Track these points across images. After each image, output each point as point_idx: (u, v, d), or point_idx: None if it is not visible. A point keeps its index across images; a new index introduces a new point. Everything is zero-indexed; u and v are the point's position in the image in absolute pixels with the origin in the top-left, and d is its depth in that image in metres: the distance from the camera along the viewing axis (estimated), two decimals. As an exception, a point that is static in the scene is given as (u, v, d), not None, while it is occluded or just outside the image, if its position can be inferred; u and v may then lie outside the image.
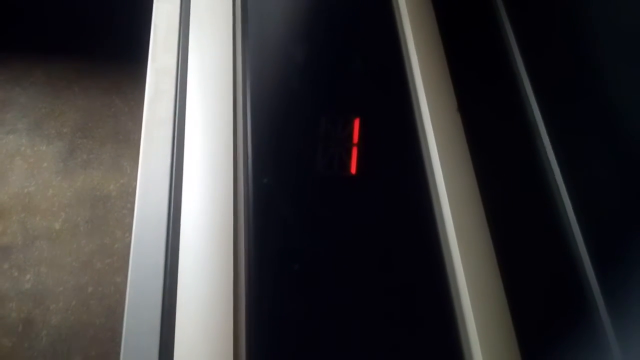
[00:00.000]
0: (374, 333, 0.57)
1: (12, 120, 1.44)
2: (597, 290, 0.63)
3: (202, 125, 0.65)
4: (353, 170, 0.64)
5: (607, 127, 0.67)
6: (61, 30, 1.55)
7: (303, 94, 0.69)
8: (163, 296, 0.56)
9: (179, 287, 0.55)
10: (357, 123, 0.67)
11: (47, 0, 1.53)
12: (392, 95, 0.71)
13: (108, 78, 1.53)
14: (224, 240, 0.57)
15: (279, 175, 0.63)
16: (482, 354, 0.55)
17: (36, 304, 1.22)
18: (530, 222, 0.68)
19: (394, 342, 0.57)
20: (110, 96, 1.51)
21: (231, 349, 0.52)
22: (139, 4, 0.89)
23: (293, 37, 0.74)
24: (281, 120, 0.67)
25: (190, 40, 0.71)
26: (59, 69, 1.53)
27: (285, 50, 0.73)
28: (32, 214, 1.33)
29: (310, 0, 0.78)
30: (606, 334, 0.61)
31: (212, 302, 0.54)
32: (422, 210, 0.64)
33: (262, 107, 0.67)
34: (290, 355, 0.55)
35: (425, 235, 0.62)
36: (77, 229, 1.32)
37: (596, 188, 0.69)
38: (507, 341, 0.57)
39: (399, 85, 0.72)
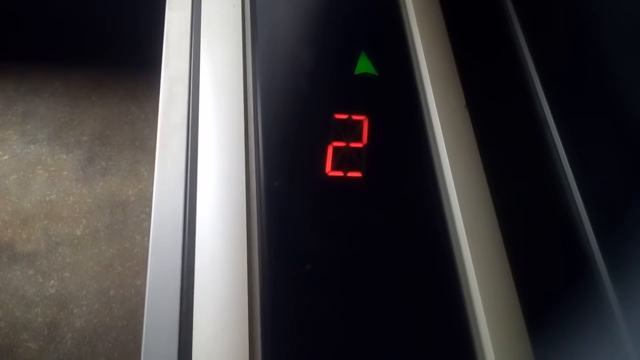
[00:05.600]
0: (384, 327, 0.58)
1: (32, 131, 1.47)
2: (606, 275, 0.63)
3: (214, 130, 0.66)
4: (362, 171, 0.65)
5: (616, 123, 0.66)
6: (78, 40, 1.58)
7: (312, 96, 0.70)
8: (181, 297, 0.57)
9: (195, 289, 0.56)
10: (365, 124, 0.67)
11: (63, 12, 1.56)
12: (400, 94, 0.72)
13: (124, 86, 1.56)
14: (237, 241, 0.58)
15: (289, 178, 0.64)
16: (489, 334, 0.56)
17: (60, 308, 1.25)
18: (539, 216, 0.68)
19: (405, 335, 0.58)
20: (127, 104, 1.54)
21: (247, 347, 0.53)
22: (151, 12, 0.90)
23: (302, 39, 0.75)
24: (291, 123, 0.68)
25: (202, 46, 0.72)
26: (77, 78, 1.56)
27: (295, 53, 0.74)
28: (54, 221, 1.36)
29: (317, 3, 0.79)
30: (612, 310, 0.61)
31: (228, 302, 0.55)
32: (432, 209, 0.64)
33: (272, 111, 0.68)
34: (304, 352, 0.56)
35: (435, 234, 0.63)
36: (98, 235, 1.35)
37: (607, 187, 0.68)
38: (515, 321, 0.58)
39: (407, 84, 0.72)
